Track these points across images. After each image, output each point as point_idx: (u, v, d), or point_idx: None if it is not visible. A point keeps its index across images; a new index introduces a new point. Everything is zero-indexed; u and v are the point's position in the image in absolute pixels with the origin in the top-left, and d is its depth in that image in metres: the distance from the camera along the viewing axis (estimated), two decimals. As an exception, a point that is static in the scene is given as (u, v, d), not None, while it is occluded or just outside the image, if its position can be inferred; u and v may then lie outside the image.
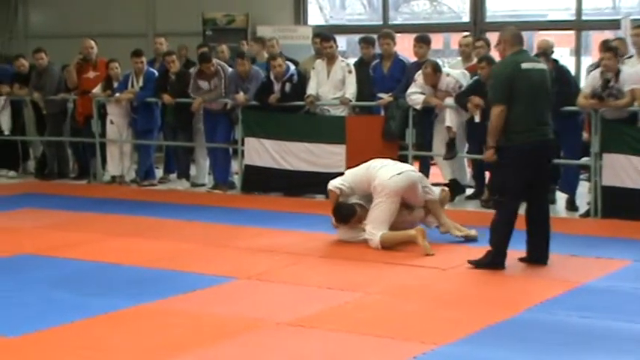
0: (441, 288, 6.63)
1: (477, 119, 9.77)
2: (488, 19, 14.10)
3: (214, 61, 11.31)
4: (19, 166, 13.36)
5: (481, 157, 9.91)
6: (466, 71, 10.30)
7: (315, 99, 10.74)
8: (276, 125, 10.90)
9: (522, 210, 7.13)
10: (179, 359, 5.04)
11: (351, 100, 10.65)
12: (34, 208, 10.24)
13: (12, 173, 13.09)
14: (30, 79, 12.64)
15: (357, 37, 12.31)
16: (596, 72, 9.29)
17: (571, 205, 9.80)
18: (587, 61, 12.77)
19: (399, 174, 7.91)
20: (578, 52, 13.65)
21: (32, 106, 12.91)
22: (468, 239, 8.05)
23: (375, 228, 7.79)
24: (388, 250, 7.67)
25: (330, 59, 10.76)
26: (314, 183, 10.41)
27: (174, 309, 6.01)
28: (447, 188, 8.78)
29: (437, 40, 14.56)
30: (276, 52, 11.49)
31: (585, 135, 9.83)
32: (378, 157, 8.48)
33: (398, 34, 11.29)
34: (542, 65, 7.22)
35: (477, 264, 7.01)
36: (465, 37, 11.23)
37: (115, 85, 11.96)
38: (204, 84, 11.28)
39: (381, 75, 10.74)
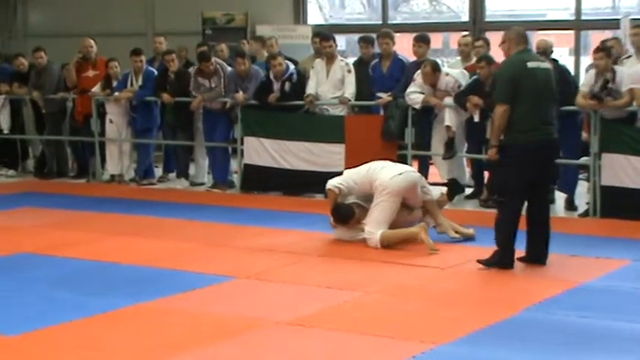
0: (440, 287, 6.63)
1: (476, 119, 9.79)
2: (487, 19, 14.09)
3: (213, 60, 11.31)
4: (19, 165, 13.36)
5: (480, 157, 9.97)
6: (465, 71, 10.30)
7: (315, 98, 10.74)
8: (275, 124, 10.90)
9: (523, 210, 7.15)
10: (178, 358, 5.04)
11: (350, 100, 10.65)
12: (33, 207, 10.24)
13: (11, 172, 13.09)
14: (29, 78, 12.64)
15: (356, 36, 12.30)
16: (593, 71, 9.30)
17: (570, 205, 9.81)
18: (586, 60, 12.75)
19: (400, 174, 7.95)
20: (577, 52, 13.64)
21: (31, 105, 12.92)
22: (466, 238, 8.07)
23: (374, 227, 7.80)
24: (387, 249, 7.68)
25: (330, 59, 10.76)
26: (313, 182, 10.41)
27: (173, 308, 6.01)
28: (445, 191, 8.79)
29: (436, 40, 14.55)
30: (275, 51, 11.49)
31: (584, 135, 9.84)
32: (377, 157, 8.52)
33: (397, 34, 11.29)
34: (547, 64, 7.24)
35: (486, 263, 7.00)
36: (465, 36, 11.22)
37: (115, 84, 11.96)
38: (204, 82, 11.27)
39: (380, 74, 10.74)
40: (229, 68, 11.35)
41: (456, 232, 8.13)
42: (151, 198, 10.88)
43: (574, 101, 9.27)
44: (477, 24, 13.91)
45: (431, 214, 8.23)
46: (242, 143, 11.15)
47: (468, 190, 10.53)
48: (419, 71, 10.13)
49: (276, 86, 10.86)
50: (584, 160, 9.56)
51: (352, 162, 9.27)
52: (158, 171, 12.49)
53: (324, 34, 11.28)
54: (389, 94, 10.40)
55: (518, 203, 7.01)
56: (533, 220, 7.12)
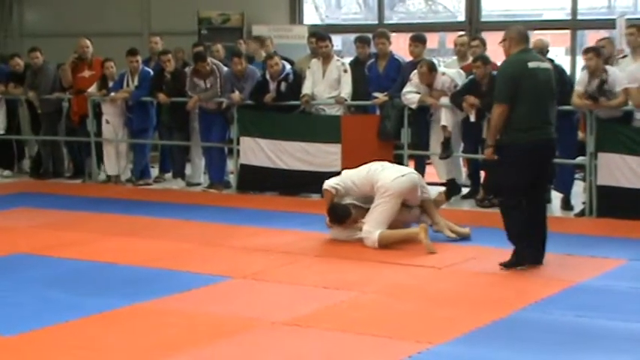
0: (437, 287, 6.63)
1: (472, 118, 9.79)
2: (483, 19, 14.10)
3: (209, 60, 11.30)
4: (14, 166, 13.34)
5: (476, 157, 9.97)
6: (461, 70, 10.30)
7: (311, 98, 10.74)
8: (271, 124, 10.90)
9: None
10: (174, 359, 5.04)
11: (346, 100, 10.64)
12: (29, 207, 10.22)
13: (7, 172, 13.07)
14: (25, 78, 12.61)
15: (352, 36, 12.29)
16: (586, 71, 9.31)
17: (566, 205, 9.82)
18: (582, 60, 12.76)
19: (402, 176, 8.00)
20: (573, 52, 13.65)
21: (27, 106, 12.89)
22: (462, 238, 8.09)
23: (373, 227, 7.81)
24: (384, 248, 7.68)
25: (326, 58, 10.75)
26: (309, 182, 10.41)
27: (169, 308, 6.01)
28: (443, 191, 8.79)
29: (432, 40, 14.57)
30: (270, 51, 11.48)
31: (580, 134, 9.84)
32: (373, 157, 8.55)
33: (393, 34, 11.28)
34: (547, 64, 7.23)
35: (506, 265, 6.98)
36: (461, 36, 11.22)
37: (111, 84, 11.94)
38: (199, 83, 11.27)
39: (376, 74, 10.73)
40: (225, 68, 11.34)
41: (452, 231, 8.15)
42: (147, 198, 10.87)
43: (570, 101, 9.27)
44: (473, 24, 13.92)
45: (428, 213, 8.26)
46: (238, 143, 11.15)
47: (464, 190, 10.54)
48: (415, 71, 10.13)
49: (272, 86, 10.86)
50: (580, 159, 9.56)
51: (348, 162, 9.28)
52: (154, 171, 12.48)
53: (320, 34, 11.27)
54: (385, 94, 10.40)
55: (521, 201, 6.99)
56: (530, 221, 7.11)
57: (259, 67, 11.30)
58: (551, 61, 9.71)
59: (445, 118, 9.98)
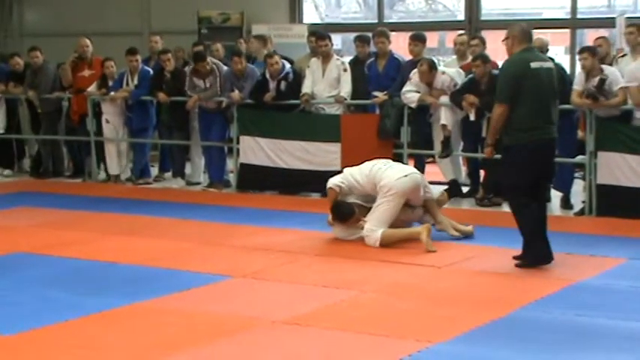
0: (437, 286, 6.63)
1: (472, 117, 9.78)
2: (483, 18, 14.09)
3: (209, 59, 11.30)
4: (14, 165, 13.35)
5: (476, 156, 9.97)
6: (461, 69, 10.30)
7: (311, 97, 10.74)
8: (271, 124, 10.90)
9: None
10: (174, 358, 5.04)
11: (346, 99, 10.64)
12: (28, 206, 10.22)
13: (7, 172, 13.07)
14: (25, 78, 12.61)
15: (352, 35, 12.28)
16: (583, 70, 9.32)
17: (566, 204, 9.82)
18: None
19: (405, 176, 8.00)
20: (572, 51, 13.63)
21: (27, 105, 12.89)
22: (465, 236, 8.09)
23: (375, 226, 7.81)
24: (385, 247, 7.68)
25: (325, 57, 10.75)
26: (309, 181, 10.43)
27: (169, 307, 6.01)
28: (445, 191, 8.79)
29: (432, 39, 14.57)
30: (270, 50, 11.47)
31: (580, 133, 9.84)
32: (373, 156, 8.53)
33: (393, 33, 11.26)
34: (549, 64, 7.20)
35: (522, 265, 6.98)
36: (460, 35, 11.21)
37: (110, 83, 11.94)
38: (199, 82, 11.27)
39: (376, 73, 10.73)
40: (225, 67, 11.34)
41: (456, 229, 8.15)
42: (147, 197, 10.87)
43: (569, 100, 9.27)
44: (473, 23, 13.91)
45: (430, 212, 8.26)
46: (238, 142, 11.15)
47: (464, 189, 10.53)
48: (415, 70, 10.13)
49: (272, 85, 10.86)
50: (579, 158, 9.56)
51: (348, 161, 9.28)
52: (154, 170, 12.48)
53: (319, 33, 11.27)
54: (385, 93, 10.39)
55: (528, 199, 6.97)
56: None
57: (261, 66, 11.28)
58: (551, 59, 9.73)
59: (445, 117, 9.98)
